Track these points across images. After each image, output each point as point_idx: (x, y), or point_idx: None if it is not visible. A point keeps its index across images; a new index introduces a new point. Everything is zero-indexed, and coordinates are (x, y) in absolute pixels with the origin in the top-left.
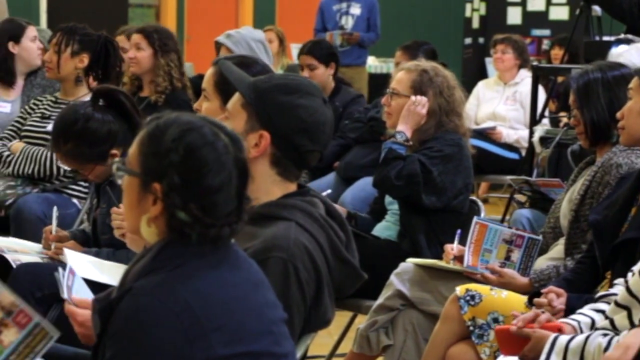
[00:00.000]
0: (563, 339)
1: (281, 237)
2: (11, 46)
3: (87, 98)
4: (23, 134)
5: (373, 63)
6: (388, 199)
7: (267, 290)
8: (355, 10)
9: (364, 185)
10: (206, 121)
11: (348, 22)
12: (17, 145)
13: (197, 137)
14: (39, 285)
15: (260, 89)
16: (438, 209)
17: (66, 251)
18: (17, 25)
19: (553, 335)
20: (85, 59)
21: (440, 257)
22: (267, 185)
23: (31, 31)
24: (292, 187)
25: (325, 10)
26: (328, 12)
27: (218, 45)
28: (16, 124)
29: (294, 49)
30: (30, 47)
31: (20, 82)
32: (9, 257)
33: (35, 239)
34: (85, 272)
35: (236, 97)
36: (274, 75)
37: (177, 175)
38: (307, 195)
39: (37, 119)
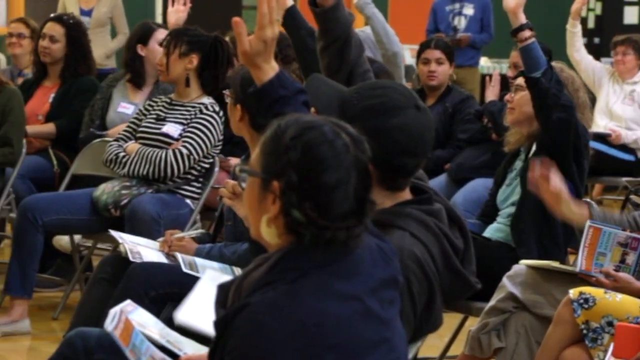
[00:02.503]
0: None
1: (395, 249)
2: (140, 48)
3: (202, 100)
4: (138, 135)
5: (485, 64)
6: (500, 198)
7: (387, 289)
8: (469, 10)
9: (476, 186)
10: (328, 121)
11: (461, 23)
12: (132, 146)
13: (316, 135)
14: (153, 285)
15: (348, 115)
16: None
17: (177, 255)
18: (147, 27)
19: None
20: (194, 60)
21: (551, 260)
22: (378, 200)
23: (160, 34)
24: (405, 195)
25: (437, 11)
26: (441, 13)
27: None
28: (132, 125)
29: (406, 50)
30: (156, 50)
31: (149, 85)
32: (128, 246)
33: (150, 238)
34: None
35: None
36: (362, 92)
37: (295, 172)
38: (425, 203)
39: (152, 120)
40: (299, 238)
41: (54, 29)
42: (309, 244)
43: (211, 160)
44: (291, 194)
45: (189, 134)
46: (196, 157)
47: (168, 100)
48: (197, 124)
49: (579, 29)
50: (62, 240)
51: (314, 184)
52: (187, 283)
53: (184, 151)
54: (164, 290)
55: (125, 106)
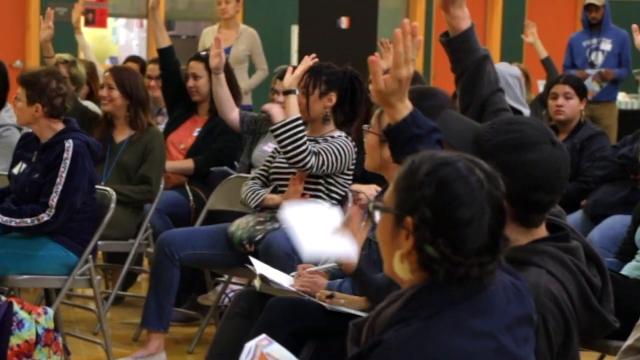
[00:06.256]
0: None
1: (531, 287)
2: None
3: (335, 134)
4: (272, 170)
5: (623, 99)
6: (638, 236)
7: (522, 326)
8: (606, 46)
9: (613, 223)
10: (462, 157)
11: (598, 58)
12: (271, 197)
13: (450, 171)
14: (293, 319)
15: (484, 149)
16: None
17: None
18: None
19: None
20: (333, 98)
21: None
22: (513, 236)
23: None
24: (541, 232)
25: (574, 46)
26: (577, 48)
27: None
28: (267, 163)
29: (540, 85)
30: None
31: None
32: (270, 277)
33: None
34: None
35: None
36: (496, 127)
37: (429, 208)
38: (562, 240)
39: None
40: (433, 274)
41: (195, 67)
42: (442, 281)
43: (343, 194)
44: (424, 229)
45: (320, 149)
46: (325, 160)
47: None
48: (328, 144)
49: None
50: (209, 299)
51: (447, 220)
52: (327, 318)
53: (314, 149)
54: (303, 325)
55: (269, 145)
